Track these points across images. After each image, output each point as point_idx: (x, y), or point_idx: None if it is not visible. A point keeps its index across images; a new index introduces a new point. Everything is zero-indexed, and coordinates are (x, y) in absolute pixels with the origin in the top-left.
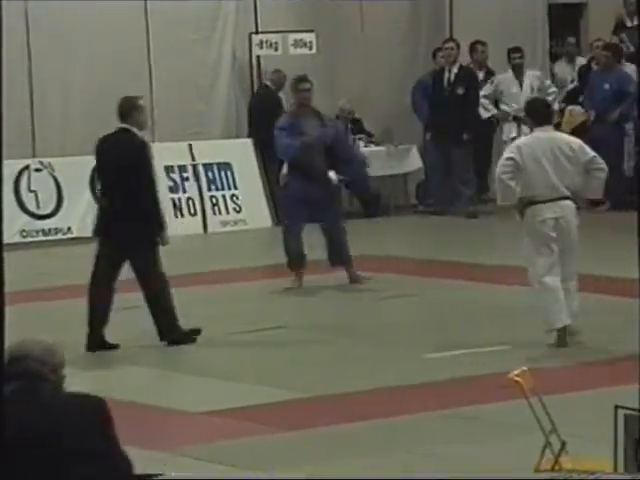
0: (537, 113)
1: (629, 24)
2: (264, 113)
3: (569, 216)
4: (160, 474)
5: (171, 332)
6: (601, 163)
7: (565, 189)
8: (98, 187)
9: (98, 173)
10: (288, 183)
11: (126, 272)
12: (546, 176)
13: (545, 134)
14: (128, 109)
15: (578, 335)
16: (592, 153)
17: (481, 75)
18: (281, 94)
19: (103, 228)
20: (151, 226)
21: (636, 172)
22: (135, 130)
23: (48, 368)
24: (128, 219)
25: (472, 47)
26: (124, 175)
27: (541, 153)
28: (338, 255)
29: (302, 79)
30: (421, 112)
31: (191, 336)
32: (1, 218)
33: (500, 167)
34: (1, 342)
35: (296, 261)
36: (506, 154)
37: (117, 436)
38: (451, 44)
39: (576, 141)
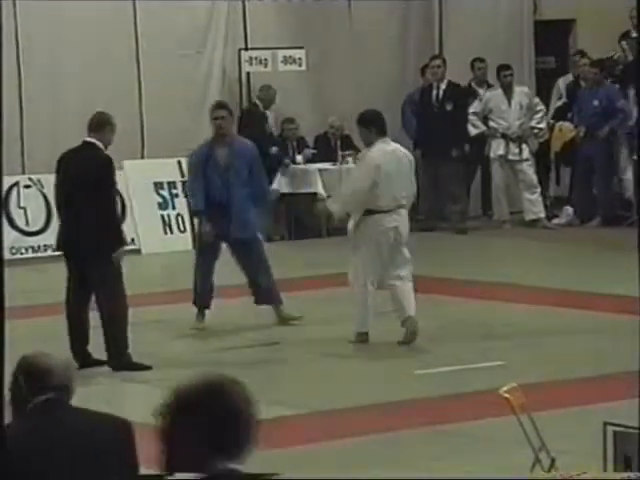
0: (379, 124)
1: (634, 35)
2: (249, 131)
3: (405, 223)
4: (169, 473)
5: (118, 359)
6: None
7: (402, 198)
8: (56, 201)
9: (59, 186)
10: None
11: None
12: (391, 187)
13: (388, 145)
14: (102, 123)
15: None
16: (414, 169)
17: (482, 92)
18: (270, 111)
19: (64, 244)
20: (111, 241)
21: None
22: (101, 145)
23: (70, 384)
24: (89, 234)
25: (472, 64)
26: (86, 189)
27: (389, 166)
28: (264, 295)
29: (218, 106)
30: (410, 128)
31: (139, 367)
32: (1, 233)
33: (362, 186)
34: (1, 353)
35: (201, 299)
36: (368, 174)
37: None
38: (437, 61)
39: (409, 154)
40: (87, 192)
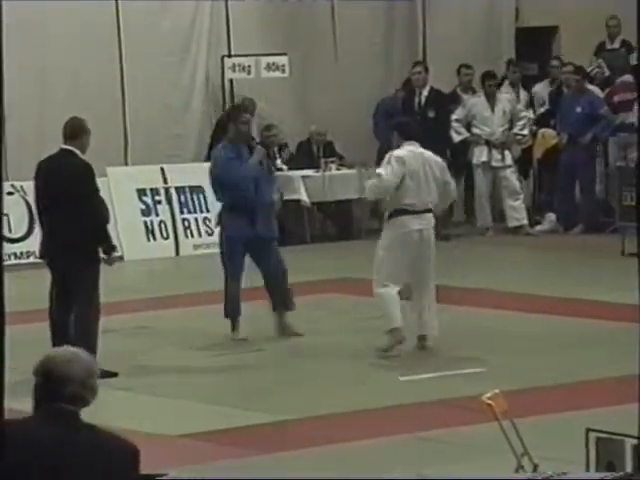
0: (405, 129)
1: (609, 46)
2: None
3: (430, 228)
4: (164, 474)
5: None
6: (449, 176)
7: (429, 203)
8: (37, 209)
9: (38, 194)
10: (224, 223)
11: None
12: (417, 189)
13: (416, 149)
14: (78, 130)
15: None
16: (447, 172)
17: (466, 98)
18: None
19: (47, 252)
20: (91, 248)
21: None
22: (78, 152)
23: (90, 391)
24: (70, 241)
25: (458, 70)
26: (66, 197)
27: (416, 167)
28: (283, 302)
29: (244, 109)
30: (381, 134)
31: (105, 374)
32: (1, 239)
33: (390, 175)
34: (1, 353)
35: (234, 312)
36: (394, 163)
37: None
38: (419, 68)
39: (439, 159)
40: (67, 199)
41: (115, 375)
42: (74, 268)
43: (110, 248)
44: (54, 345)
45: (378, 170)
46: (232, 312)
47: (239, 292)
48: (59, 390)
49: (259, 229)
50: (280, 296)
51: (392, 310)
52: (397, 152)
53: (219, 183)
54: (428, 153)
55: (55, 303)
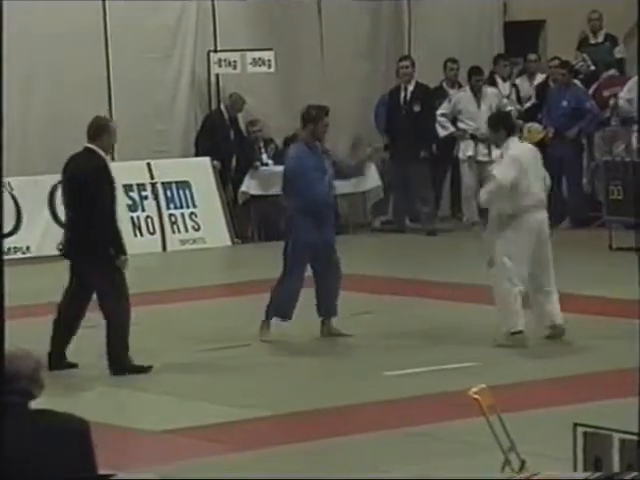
0: (510, 124)
1: (592, 41)
2: (209, 137)
3: (547, 221)
4: (113, 475)
5: (118, 363)
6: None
7: (543, 195)
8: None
9: (62, 193)
10: (297, 226)
11: None
12: (533, 184)
13: (524, 144)
14: (100, 130)
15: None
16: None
17: (453, 93)
18: (241, 114)
19: (64, 246)
20: (106, 245)
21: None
22: (100, 152)
23: (37, 386)
24: (84, 238)
25: (444, 65)
26: (79, 195)
27: (529, 163)
28: (330, 309)
29: (327, 112)
30: (380, 125)
31: (138, 370)
32: (1, 237)
33: (505, 175)
34: (1, 352)
35: (278, 313)
36: (509, 166)
37: (95, 457)
38: (406, 62)
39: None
40: (80, 198)
41: (149, 370)
42: (90, 265)
43: (121, 249)
44: (55, 337)
45: (492, 171)
46: (276, 313)
47: (295, 296)
48: (9, 386)
49: (328, 234)
50: (329, 302)
51: (516, 311)
52: (512, 151)
53: (295, 190)
54: (532, 145)
55: (69, 297)
